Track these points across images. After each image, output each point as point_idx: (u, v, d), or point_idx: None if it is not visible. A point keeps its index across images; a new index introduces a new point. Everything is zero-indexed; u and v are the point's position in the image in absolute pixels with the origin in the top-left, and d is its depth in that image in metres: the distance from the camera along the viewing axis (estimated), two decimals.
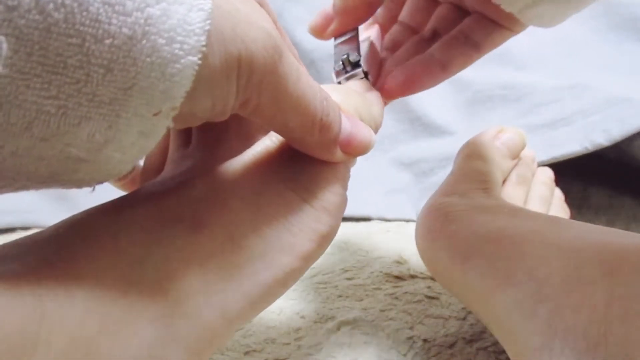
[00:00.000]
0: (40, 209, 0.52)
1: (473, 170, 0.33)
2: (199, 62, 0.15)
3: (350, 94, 0.25)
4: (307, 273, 0.39)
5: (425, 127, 0.57)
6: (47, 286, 0.15)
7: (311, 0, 0.61)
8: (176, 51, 0.15)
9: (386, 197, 0.53)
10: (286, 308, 0.35)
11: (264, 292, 0.20)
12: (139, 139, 0.16)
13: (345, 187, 0.24)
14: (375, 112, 0.26)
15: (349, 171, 0.24)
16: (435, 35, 0.32)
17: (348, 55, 0.28)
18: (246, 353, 0.31)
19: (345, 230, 0.48)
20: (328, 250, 0.43)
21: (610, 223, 0.47)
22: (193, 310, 0.18)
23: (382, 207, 0.52)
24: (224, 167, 0.22)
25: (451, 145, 0.54)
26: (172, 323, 0.18)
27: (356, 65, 0.28)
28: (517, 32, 0.30)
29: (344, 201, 0.23)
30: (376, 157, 0.57)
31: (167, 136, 0.26)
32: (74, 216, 0.19)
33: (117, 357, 0.16)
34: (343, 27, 0.30)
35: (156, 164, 0.26)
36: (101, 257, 0.17)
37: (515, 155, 0.37)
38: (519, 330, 0.22)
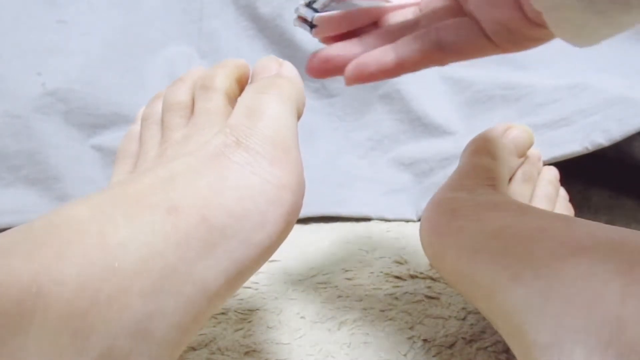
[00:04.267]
0: (40, 209, 0.51)
1: (480, 166, 0.33)
2: None
3: (282, 84, 0.27)
4: (307, 273, 0.39)
5: (425, 127, 0.57)
6: (41, 265, 0.17)
7: None
8: None
9: (386, 197, 0.53)
10: (286, 308, 0.35)
11: (240, 269, 0.22)
12: None
13: (301, 167, 0.26)
14: (303, 98, 0.29)
15: (299, 153, 0.26)
16: (417, 25, 0.31)
17: (315, 1, 0.30)
18: (246, 353, 0.31)
19: (345, 230, 0.48)
20: (328, 250, 0.43)
21: (610, 223, 0.46)
22: (176, 287, 0.20)
23: (382, 207, 0.52)
24: (186, 157, 0.24)
25: (451, 146, 0.54)
26: (158, 299, 0.19)
27: (313, 11, 0.30)
28: (505, 51, 0.28)
29: (302, 179, 0.25)
30: (376, 157, 0.57)
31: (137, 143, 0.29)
32: (61, 207, 0.21)
33: (109, 329, 0.18)
34: None
35: None
36: (88, 240, 0.19)
37: (523, 153, 0.37)
38: (527, 326, 0.22)
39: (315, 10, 0.30)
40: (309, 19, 0.30)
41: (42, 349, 0.16)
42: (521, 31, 0.26)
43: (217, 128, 0.26)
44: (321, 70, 0.30)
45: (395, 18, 0.33)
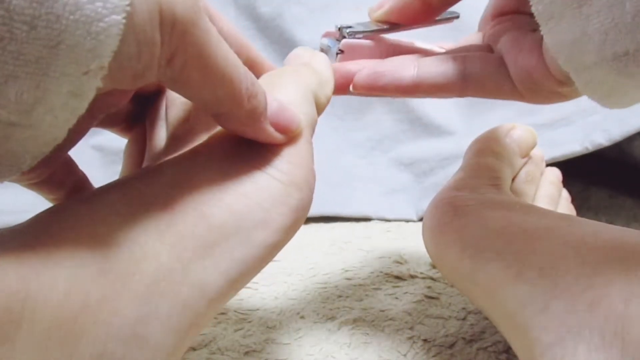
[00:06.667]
0: (40, 209, 0.51)
1: (484, 166, 0.33)
2: (124, 21, 0.15)
3: (302, 71, 0.26)
4: (307, 273, 0.39)
5: (425, 127, 0.57)
6: (29, 268, 0.16)
7: (311, 1, 0.61)
8: (99, 9, 0.15)
9: (386, 197, 0.53)
10: (286, 308, 0.35)
11: (242, 269, 0.21)
12: (70, 100, 0.16)
13: (310, 161, 0.24)
14: (327, 90, 0.27)
15: (311, 145, 0.24)
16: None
17: (348, 29, 0.29)
18: (246, 353, 0.31)
19: (345, 230, 0.48)
20: (328, 250, 0.43)
21: (610, 223, 0.46)
22: (172, 289, 0.19)
23: (382, 207, 0.52)
24: (189, 154, 0.23)
25: (451, 146, 0.54)
26: (152, 301, 0.18)
27: (342, 37, 0.29)
28: (528, 101, 0.27)
29: (311, 174, 0.24)
30: (376, 157, 0.57)
31: (143, 143, 0.27)
32: (52, 207, 0.20)
33: (99, 335, 0.17)
34: (389, 17, 0.29)
35: (136, 166, 0.27)
36: (79, 240, 0.18)
37: (526, 153, 0.37)
38: (530, 325, 0.22)
39: (343, 37, 0.29)
40: (334, 49, 0.28)
41: (29, 357, 0.15)
42: (545, 84, 0.25)
43: None
44: (343, 86, 0.29)
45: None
